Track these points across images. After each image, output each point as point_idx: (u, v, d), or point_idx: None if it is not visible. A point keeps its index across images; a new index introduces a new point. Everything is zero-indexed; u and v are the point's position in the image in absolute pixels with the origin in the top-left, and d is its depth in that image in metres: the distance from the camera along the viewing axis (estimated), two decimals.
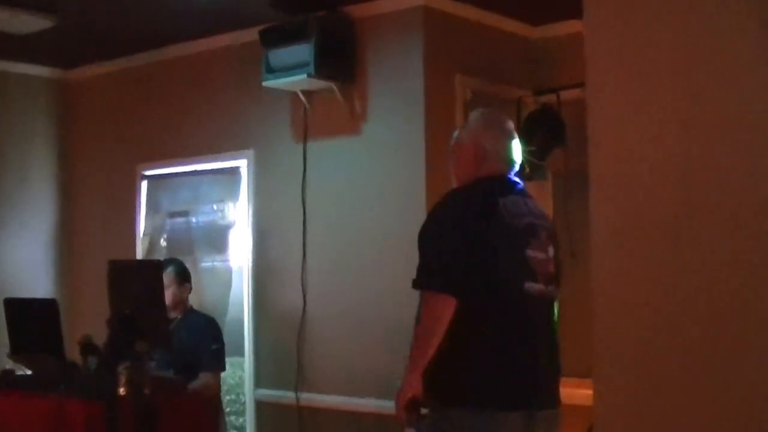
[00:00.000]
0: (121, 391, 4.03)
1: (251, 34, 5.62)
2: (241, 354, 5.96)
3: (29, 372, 4.76)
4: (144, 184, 6.63)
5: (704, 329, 2.97)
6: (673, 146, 3.06)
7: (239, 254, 6.10)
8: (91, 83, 7.03)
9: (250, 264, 5.99)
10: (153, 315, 4.21)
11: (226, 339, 5.46)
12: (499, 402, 3.24)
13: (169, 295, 5.25)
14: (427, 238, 3.33)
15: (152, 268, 4.61)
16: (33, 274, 6.80)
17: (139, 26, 5.99)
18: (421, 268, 3.28)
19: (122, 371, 3.97)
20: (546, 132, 5.52)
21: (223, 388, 5.78)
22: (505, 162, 3.49)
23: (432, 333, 3.21)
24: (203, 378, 5.12)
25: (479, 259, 3.22)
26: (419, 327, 3.26)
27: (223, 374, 5.46)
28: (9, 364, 4.93)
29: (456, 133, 3.64)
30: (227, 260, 6.21)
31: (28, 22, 5.47)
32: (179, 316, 5.33)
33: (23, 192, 6.90)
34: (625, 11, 3.19)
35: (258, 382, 5.91)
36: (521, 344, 3.30)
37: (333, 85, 5.46)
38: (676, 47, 3.09)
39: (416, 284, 3.28)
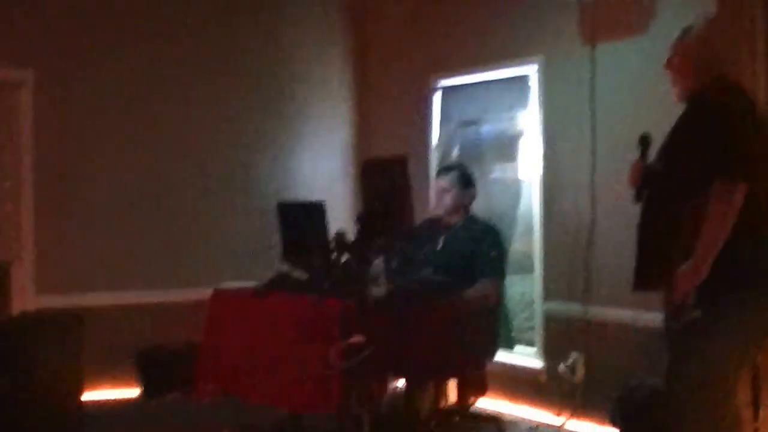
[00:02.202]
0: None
1: None
2: (532, 270, 5.85)
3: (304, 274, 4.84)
4: (438, 95, 6.62)
5: None
6: None
7: (528, 165, 5.94)
8: None
9: (541, 174, 5.82)
10: (399, 212, 4.17)
11: (515, 255, 5.30)
12: None
13: (449, 199, 5.22)
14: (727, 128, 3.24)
15: (399, 165, 4.53)
16: (329, 184, 6.94)
17: None
18: (729, 158, 3.19)
19: (377, 268, 3.96)
20: None
21: (519, 305, 5.72)
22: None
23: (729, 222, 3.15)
24: (481, 285, 4.98)
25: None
26: (717, 217, 3.15)
27: (513, 291, 5.32)
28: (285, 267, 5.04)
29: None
30: (516, 171, 6.08)
31: None
32: (460, 222, 5.24)
33: (320, 103, 7.11)
34: None
35: (547, 295, 5.77)
36: None
37: None
38: None
39: (732, 175, 3.16)
